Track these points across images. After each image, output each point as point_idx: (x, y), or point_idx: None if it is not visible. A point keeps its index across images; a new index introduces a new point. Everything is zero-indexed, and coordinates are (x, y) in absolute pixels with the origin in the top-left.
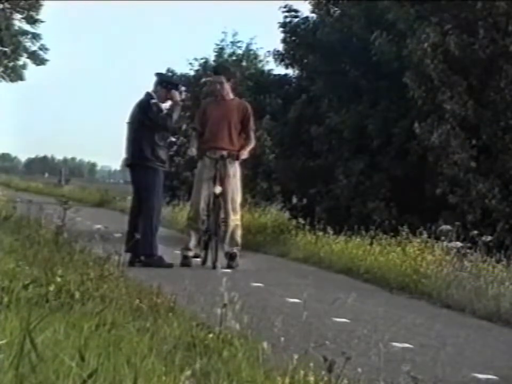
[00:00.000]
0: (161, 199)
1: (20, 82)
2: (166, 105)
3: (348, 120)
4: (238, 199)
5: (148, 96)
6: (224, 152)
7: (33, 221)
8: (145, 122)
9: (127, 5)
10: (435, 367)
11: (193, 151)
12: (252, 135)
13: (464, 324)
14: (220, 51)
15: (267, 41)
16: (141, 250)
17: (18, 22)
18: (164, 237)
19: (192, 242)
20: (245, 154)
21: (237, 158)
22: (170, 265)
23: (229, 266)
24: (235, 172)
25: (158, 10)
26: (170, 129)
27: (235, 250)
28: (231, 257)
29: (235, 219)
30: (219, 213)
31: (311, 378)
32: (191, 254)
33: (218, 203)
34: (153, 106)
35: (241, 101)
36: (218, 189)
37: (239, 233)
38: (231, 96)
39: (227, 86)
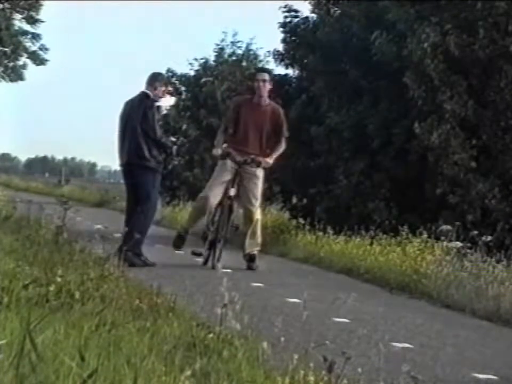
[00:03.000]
0: (156, 199)
1: (20, 82)
2: (162, 103)
3: (348, 120)
4: (257, 200)
5: (146, 97)
6: (249, 157)
7: (33, 221)
8: (143, 125)
9: (127, 5)
10: (435, 367)
11: (218, 152)
12: (283, 141)
13: (464, 324)
14: (220, 51)
15: (267, 41)
16: (130, 245)
17: (18, 22)
18: (164, 236)
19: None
20: (268, 161)
21: (259, 164)
22: (152, 264)
23: (249, 268)
24: (256, 175)
25: (158, 10)
26: (162, 145)
27: (255, 252)
28: (250, 258)
29: (255, 216)
30: (230, 216)
31: (311, 378)
32: (183, 233)
33: (231, 205)
34: (151, 113)
35: (275, 106)
36: (233, 191)
37: (259, 233)
38: (267, 101)
39: (268, 87)
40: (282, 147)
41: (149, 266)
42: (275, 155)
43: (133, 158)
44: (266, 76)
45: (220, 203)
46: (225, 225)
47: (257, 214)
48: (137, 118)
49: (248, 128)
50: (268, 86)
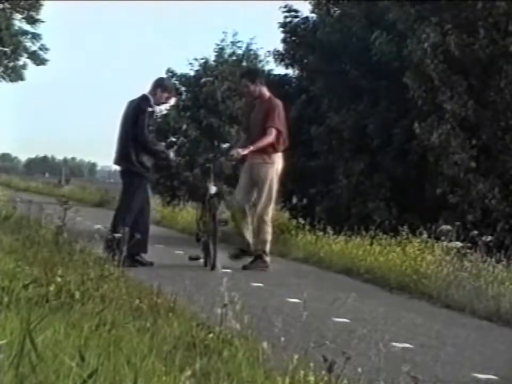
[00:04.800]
0: (143, 203)
1: (20, 82)
2: (162, 108)
3: (348, 120)
4: (264, 199)
5: (144, 99)
6: (251, 153)
7: (33, 221)
8: (133, 129)
9: (127, 5)
10: (435, 367)
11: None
12: (270, 131)
13: (464, 324)
14: (220, 51)
15: (267, 41)
16: (107, 243)
17: (18, 22)
18: (164, 237)
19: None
20: (239, 151)
21: (232, 157)
22: (150, 264)
23: (244, 268)
24: (259, 173)
25: (158, 10)
26: (148, 147)
27: (259, 252)
28: (255, 257)
29: (259, 215)
30: (215, 214)
31: (311, 378)
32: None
33: (214, 203)
34: (143, 116)
35: (270, 99)
36: (213, 189)
37: (264, 233)
38: (267, 94)
39: (253, 87)
40: (267, 138)
41: (146, 265)
42: (254, 146)
43: (121, 161)
44: (245, 81)
45: (203, 203)
46: (212, 223)
47: (261, 213)
48: (130, 120)
49: (250, 128)
50: (252, 86)
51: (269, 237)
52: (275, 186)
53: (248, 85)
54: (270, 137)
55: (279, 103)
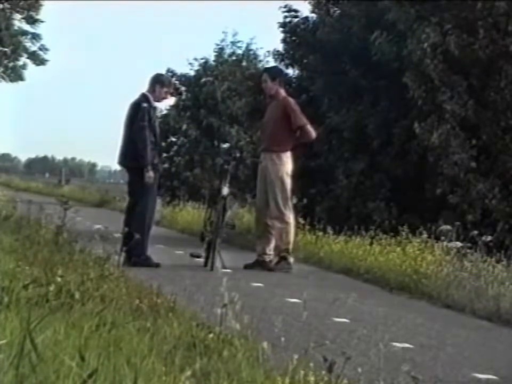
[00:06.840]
0: (155, 200)
1: (20, 82)
2: (161, 105)
3: (348, 120)
4: (280, 200)
5: (143, 97)
6: (262, 154)
7: (33, 221)
8: (132, 127)
9: (127, 5)
10: (435, 367)
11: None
12: (307, 128)
13: (464, 324)
14: (220, 51)
15: (267, 41)
16: (132, 250)
17: (18, 22)
18: (164, 237)
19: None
20: (283, 156)
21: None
22: (157, 265)
23: (245, 267)
24: (275, 172)
25: (158, 10)
26: (138, 142)
27: (260, 258)
28: (256, 261)
29: (277, 224)
30: (224, 215)
31: (311, 378)
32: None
33: (225, 204)
34: (140, 112)
35: (285, 98)
36: (225, 190)
37: (287, 232)
38: (282, 94)
39: (271, 84)
40: (308, 136)
41: (152, 266)
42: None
43: (123, 159)
44: (264, 76)
45: (215, 203)
46: (220, 224)
47: (278, 214)
48: (129, 120)
49: (264, 127)
50: (270, 84)
51: (291, 237)
52: (288, 186)
53: (266, 80)
54: (310, 135)
55: (294, 102)
